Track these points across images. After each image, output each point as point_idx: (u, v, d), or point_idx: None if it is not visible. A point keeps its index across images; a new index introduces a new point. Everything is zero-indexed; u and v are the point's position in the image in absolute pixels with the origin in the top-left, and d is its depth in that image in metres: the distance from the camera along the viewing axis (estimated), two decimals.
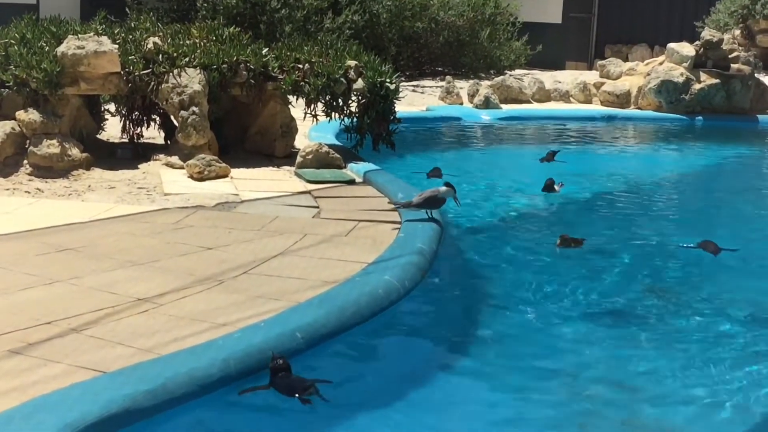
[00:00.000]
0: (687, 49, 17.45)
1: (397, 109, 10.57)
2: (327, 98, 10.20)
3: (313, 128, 11.53)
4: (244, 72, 10.01)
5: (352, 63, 10.23)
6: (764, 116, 17.56)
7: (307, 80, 10.14)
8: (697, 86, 17.12)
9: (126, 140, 10.57)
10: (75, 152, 9.07)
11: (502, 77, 18.77)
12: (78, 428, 3.90)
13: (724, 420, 4.83)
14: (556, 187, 9.74)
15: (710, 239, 7.58)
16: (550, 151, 11.70)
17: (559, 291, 6.75)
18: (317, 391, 4.56)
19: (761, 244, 8.05)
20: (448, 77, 18.64)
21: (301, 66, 10.28)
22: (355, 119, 10.41)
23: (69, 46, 9.29)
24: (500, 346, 5.80)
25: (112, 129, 10.73)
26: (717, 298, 6.71)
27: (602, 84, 18.25)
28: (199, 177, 8.97)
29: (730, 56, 17.68)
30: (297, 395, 4.50)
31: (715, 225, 9.09)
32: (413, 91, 17.99)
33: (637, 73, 18.16)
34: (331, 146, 10.05)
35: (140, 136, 10.65)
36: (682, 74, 17.16)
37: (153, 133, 10.73)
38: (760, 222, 9.42)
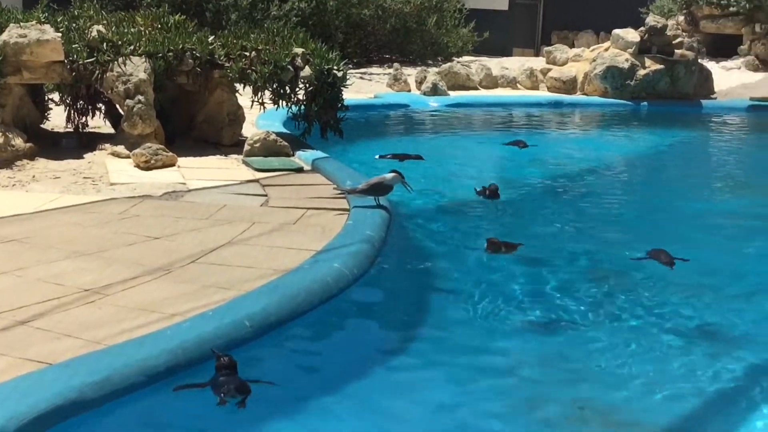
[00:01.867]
0: (632, 35, 17.67)
1: (344, 96, 10.58)
2: (274, 86, 10.16)
3: (260, 116, 11.50)
4: (190, 60, 9.95)
5: (299, 50, 10.21)
6: (708, 101, 17.87)
7: (254, 68, 10.10)
8: (641, 72, 17.34)
9: (71, 130, 10.46)
10: (18, 142, 8.95)
11: (449, 64, 18.84)
12: (25, 420, 3.87)
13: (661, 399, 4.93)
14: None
15: (660, 247, 7.19)
16: (519, 139, 11.96)
17: (508, 277, 6.80)
18: (239, 394, 4.43)
19: (711, 251, 7.95)
20: (395, 64, 18.70)
21: (247, 54, 10.24)
22: (302, 107, 10.39)
23: (11, 34, 9.16)
24: (448, 333, 5.82)
25: (57, 118, 10.59)
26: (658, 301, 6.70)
27: (549, 70, 18.42)
28: (146, 166, 8.91)
29: (674, 42, 17.94)
30: (219, 395, 4.41)
31: (663, 221, 9.10)
32: (361, 78, 17.99)
33: (583, 59, 18.35)
34: (278, 134, 10.02)
35: (85, 125, 10.54)
36: (627, 60, 17.37)
37: (98, 123, 10.62)
38: (707, 215, 9.52)
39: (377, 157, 10.80)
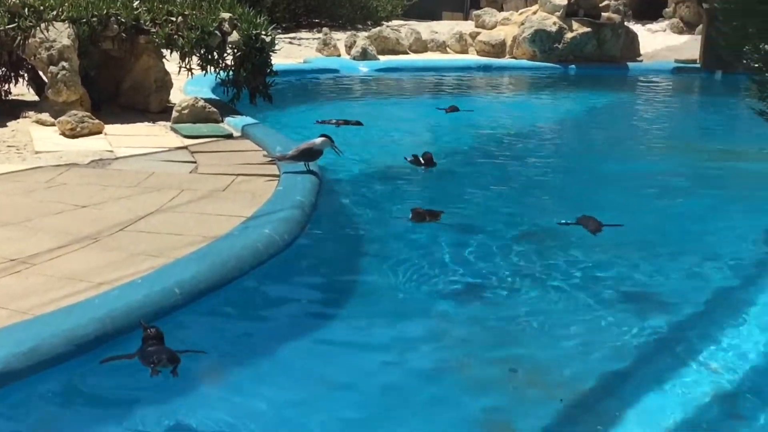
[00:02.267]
0: None
1: (273, 61, 10.48)
2: (202, 52, 10.05)
3: (188, 82, 11.36)
4: (115, 25, 9.80)
5: (226, 15, 10.09)
6: (634, 63, 18.10)
7: (180, 33, 9.97)
8: (569, 35, 17.50)
9: None
10: None
11: (378, 28, 18.82)
12: None
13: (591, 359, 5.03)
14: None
15: (590, 212, 7.05)
16: (452, 105, 11.98)
17: (436, 243, 6.84)
18: (170, 363, 4.35)
19: (636, 211, 7.99)
20: (324, 29, 18.63)
21: (174, 19, 10.09)
22: (230, 73, 10.29)
23: None
24: (376, 297, 5.85)
25: None
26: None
27: (478, 34, 18.48)
28: (72, 134, 8.77)
29: (600, 5, 18.10)
30: (150, 365, 4.32)
31: (591, 182, 9.17)
32: (290, 43, 17.89)
33: (512, 22, 18.45)
34: (207, 100, 9.93)
35: (8, 92, 10.34)
36: (554, 23, 17.49)
37: (22, 90, 10.42)
38: (633, 176, 9.65)
39: (317, 122, 10.76)
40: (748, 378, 4.81)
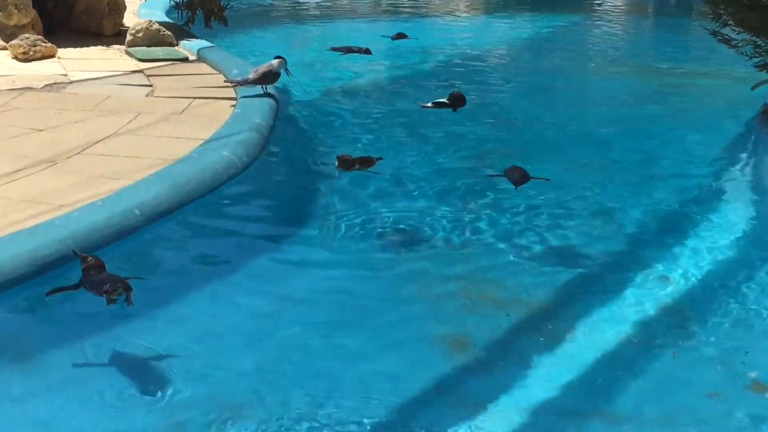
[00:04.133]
0: None
1: None
2: None
3: (142, 5, 11.26)
4: None
5: None
6: None
7: None
8: None
9: None
10: None
11: None
12: None
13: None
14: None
15: (519, 165, 6.08)
16: (399, 32, 11.77)
17: (396, 153, 6.92)
18: (125, 291, 4.16)
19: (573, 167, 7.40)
20: None
21: None
22: None
23: None
24: (331, 217, 5.87)
25: None
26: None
27: None
28: (24, 58, 8.67)
29: None
30: (104, 294, 4.11)
31: (544, 109, 9.11)
32: None
33: None
34: (161, 24, 9.84)
35: None
36: None
37: None
38: (584, 93, 9.69)
39: (331, 48, 10.35)
40: (693, 293, 4.97)
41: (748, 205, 6.43)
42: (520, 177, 5.77)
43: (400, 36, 11.55)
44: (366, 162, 6.01)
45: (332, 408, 3.69)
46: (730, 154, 7.44)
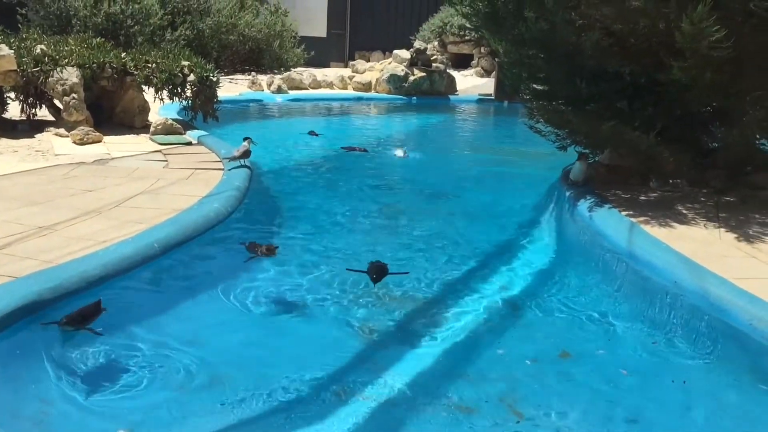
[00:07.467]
0: (405, 53, 17.91)
1: (218, 94, 10.29)
2: (170, 87, 9.80)
3: (161, 108, 11.07)
4: (109, 69, 9.46)
5: (186, 63, 9.87)
6: (453, 96, 18.35)
7: (155, 75, 9.71)
8: (412, 77, 17.64)
9: (24, 118, 9.74)
10: None
11: (288, 72, 18.57)
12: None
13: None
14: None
15: (379, 261, 4.89)
16: (311, 130, 11.49)
17: (336, 192, 6.85)
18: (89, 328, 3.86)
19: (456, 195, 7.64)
20: (253, 72, 18.29)
21: (150, 65, 9.81)
22: (189, 101, 10.06)
23: None
24: (296, 241, 5.84)
25: (14, 110, 9.85)
26: None
27: (354, 76, 18.44)
28: (80, 142, 8.45)
29: (431, 58, 18.29)
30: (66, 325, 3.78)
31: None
32: (230, 82, 17.50)
33: (375, 69, 18.47)
34: (174, 120, 9.69)
35: (35, 114, 9.84)
36: (402, 70, 17.62)
37: (44, 113, 9.94)
38: (456, 169, 9.77)
39: (341, 148, 9.64)
40: (526, 295, 5.03)
41: (551, 234, 6.50)
42: (377, 272, 4.57)
43: (312, 133, 11.23)
44: (270, 250, 4.97)
45: None
46: (541, 200, 7.56)
